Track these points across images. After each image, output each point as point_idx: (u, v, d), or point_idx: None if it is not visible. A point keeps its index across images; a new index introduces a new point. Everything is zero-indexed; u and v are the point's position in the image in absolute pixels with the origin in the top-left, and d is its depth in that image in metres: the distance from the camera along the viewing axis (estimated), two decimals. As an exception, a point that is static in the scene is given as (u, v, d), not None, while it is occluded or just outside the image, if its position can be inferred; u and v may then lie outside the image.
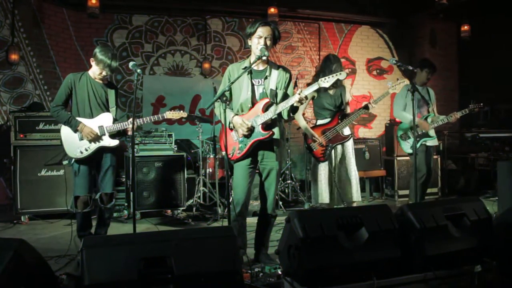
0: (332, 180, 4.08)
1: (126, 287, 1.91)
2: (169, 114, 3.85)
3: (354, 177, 4.09)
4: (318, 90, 3.80)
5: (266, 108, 3.11)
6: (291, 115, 3.19)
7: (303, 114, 4.38)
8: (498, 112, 7.02)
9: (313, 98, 4.12)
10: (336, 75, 3.06)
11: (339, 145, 4.05)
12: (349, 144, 4.12)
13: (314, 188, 4.15)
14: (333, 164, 4.07)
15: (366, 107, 3.96)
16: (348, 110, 4.21)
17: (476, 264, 2.49)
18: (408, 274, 2.33)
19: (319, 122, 4.15)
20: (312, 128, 4.10)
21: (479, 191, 6.29)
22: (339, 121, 4.02)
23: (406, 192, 6.01)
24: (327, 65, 3.99)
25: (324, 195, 4.06)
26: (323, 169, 4.07)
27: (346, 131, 4.07)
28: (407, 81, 4.06)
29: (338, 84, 3.96)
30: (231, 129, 3.23)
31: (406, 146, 4.81)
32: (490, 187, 6.12)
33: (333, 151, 4.07)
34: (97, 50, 3.50)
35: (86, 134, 3.52)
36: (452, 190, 6.56)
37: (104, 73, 3.54)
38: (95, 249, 1.96)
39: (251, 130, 3.12)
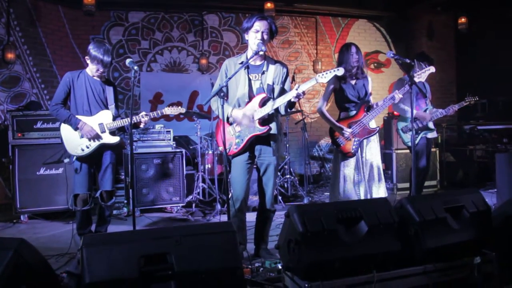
0: (354, 177, 3.78)
1: (127, 284, 1.91)
2: (167, 110, 3.83)
3: (382, 173, 3.82)
4: (339, 81, 3.72)
5: (263, 103, 3.10)
6: (289, 110, 3.19)
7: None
8: (496, 104, 7.02)
9: (334, 90, 3.87)
10: (334, 70, 3.04)
11: (365, 139, 3.78)
12: (375, 138, 3.86)
13: (332, 184, 3.90)
14: (360, 160, 3.78)
15: (392, 98, 3.73)
16: (371, 101, 3.92)
17: (476, 256, 2.49)
18: (408, 266, 2.33)
19: (343, 115, 3.89)
20: (337, 121, 3.85)
21: (477, 183, 6.29)
22: (366, 113, 3.75)
23: (405, 185, 6.02)
24: (346, 56, 3.78)
25: (340, 193, 3.78)
26: (345, 166, 3.78)
27: (373, 124, 3.79)
28: (432, 69, 4.02)
29: (360, 75, 3.80)
30: (230, 123, 3.22)
31: (408, 138, 4.65)
32: (489, 179, 6.13)
33: (359, 146, 3.79)
34: (90, 47, 3.49)
35: (86, 132, 3.51)
36: (451, 182, 6.57)
37: (99, 69, 3.53)
38: (95, 247, 1.95)
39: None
